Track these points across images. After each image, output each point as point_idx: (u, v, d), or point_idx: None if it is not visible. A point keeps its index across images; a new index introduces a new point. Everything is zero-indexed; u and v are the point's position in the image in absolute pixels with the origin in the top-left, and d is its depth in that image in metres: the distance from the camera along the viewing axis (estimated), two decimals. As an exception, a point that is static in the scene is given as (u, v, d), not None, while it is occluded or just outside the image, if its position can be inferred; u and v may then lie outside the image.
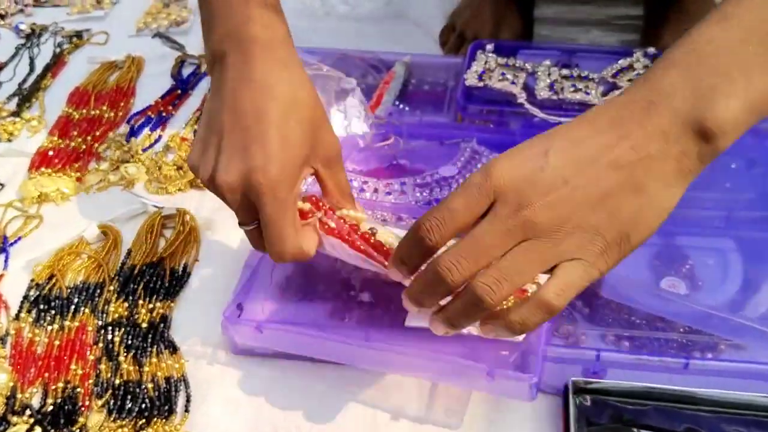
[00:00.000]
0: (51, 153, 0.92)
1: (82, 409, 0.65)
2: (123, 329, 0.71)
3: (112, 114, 0.99)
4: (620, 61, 0.92)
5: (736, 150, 0.77)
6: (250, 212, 0.57)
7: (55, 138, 0.95)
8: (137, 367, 0.68)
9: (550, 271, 0.47)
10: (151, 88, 1.05)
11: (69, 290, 0.76)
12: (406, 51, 1.04)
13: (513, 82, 0.91)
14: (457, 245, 0.47)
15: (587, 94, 0.87)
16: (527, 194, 0.45)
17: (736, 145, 0.78)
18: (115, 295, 0.75)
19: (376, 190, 0.80)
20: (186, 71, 1.08)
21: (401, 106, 0.96)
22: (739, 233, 0.70)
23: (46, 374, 0.68)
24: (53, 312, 0.74)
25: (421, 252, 0.49)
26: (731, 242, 0.70)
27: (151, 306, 0.74)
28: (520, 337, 0.59)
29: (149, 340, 0.70)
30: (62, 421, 0.64)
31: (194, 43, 1.14)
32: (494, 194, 0.46)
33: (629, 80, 0.90)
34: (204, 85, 1.06)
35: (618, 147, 0.46)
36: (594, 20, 1.12)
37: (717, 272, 0.67)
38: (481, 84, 0.91)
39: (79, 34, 1.17)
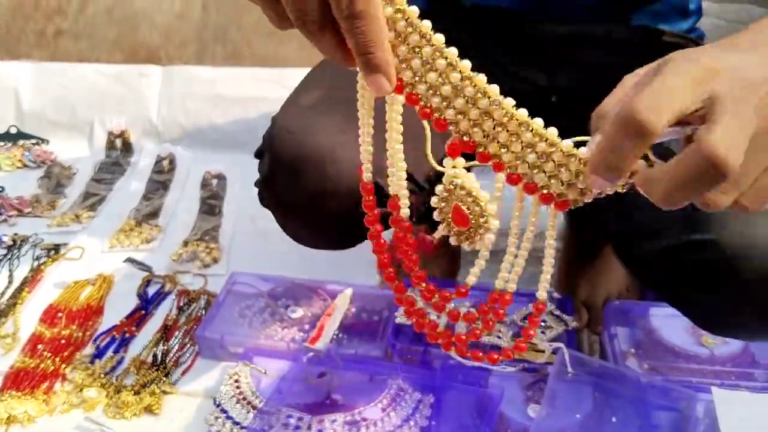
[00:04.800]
0: (21, 374, 1.02)
1: None
2: None
3: (80, 334, 1.11)
4: (529, 305, 1.07)
5: (616, 404, 0.91)
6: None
7: (27, 358, 1.05)
8: None
9: None
10: (118, 306, 1.17)
11: None
12: (349, 279, 1.16)
13: (436, 323, 1.04)
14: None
15: (499, 338, 1.01)
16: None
17: (615, 399, 0.91)
18: None
19: (309, 427, 0.91)
20: (151, 290, 1.21)
21: (340, 335, 1.08)
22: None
23: None
24: None
25: (635, 142, 0.41)
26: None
27: None
28: None
29: None
30: None
31: (161, 261, 1.27)
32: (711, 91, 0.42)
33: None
34: (167, 305, 1.18)
35: None
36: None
37: None
38: (409, 322, 1.04)
39: (56, 248, 1.30)
